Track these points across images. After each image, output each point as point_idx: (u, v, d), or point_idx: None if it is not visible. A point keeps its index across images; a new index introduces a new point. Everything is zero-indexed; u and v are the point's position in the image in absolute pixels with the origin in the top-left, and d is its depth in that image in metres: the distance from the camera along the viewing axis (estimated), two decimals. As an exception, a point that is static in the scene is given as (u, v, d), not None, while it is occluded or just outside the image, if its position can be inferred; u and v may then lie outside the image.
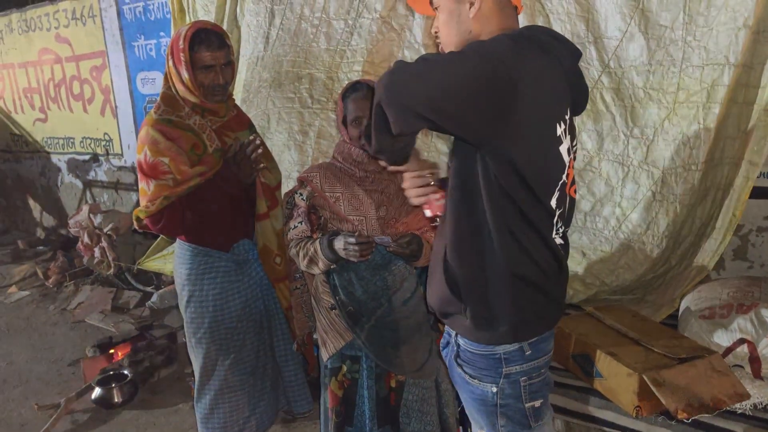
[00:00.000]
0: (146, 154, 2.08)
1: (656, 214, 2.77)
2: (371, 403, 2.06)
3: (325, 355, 2.11)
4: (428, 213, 1.55)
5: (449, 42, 1.42)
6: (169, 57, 2.12)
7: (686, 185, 2.69)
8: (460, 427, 2.31)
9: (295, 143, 3.53)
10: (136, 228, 2.25)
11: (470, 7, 1.36)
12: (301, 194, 2.09)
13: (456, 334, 1.55)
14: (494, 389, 1.47)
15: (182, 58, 2.06)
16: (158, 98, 2.18)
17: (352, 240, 1.88)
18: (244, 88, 3.89)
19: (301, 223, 2.07)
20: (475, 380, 1.50)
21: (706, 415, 1.88)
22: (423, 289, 2.09)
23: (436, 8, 1.42)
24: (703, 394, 1.88)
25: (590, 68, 2.85)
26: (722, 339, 2.12)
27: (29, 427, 3.14)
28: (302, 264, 2.05)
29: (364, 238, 1.90)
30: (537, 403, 1.51)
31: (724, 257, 2.87)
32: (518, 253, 1.36)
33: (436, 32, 1.46)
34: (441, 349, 1.69)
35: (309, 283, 2.23)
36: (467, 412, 1.62)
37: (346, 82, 3.44)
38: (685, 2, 2.61)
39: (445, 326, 1.65)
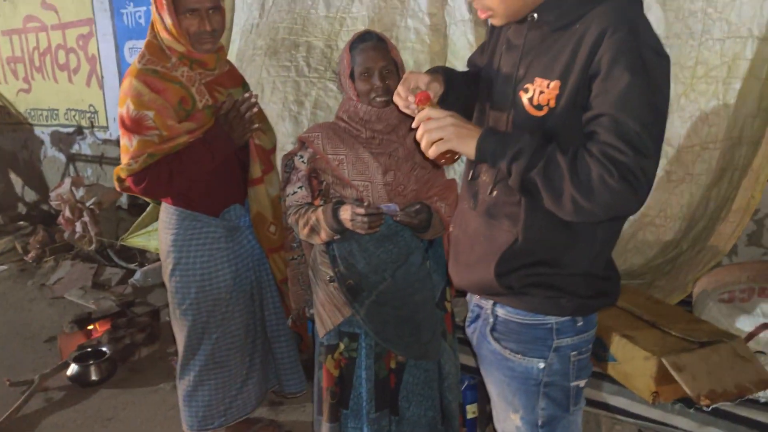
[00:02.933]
0: (129, 107, 1.91)
1: (669, 195, 2.64)
2: (369, 385, 1.90)
3: (321, 331, 1.95)
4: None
5: (516, 7, 1.25)
6: (153, 2, 1.95)
7: (703, 165, 2.56)
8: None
9: (290, 114, 3.36)
10: (117, 189, 2.08)
11: None
12: (301, 156, 1.92)
13: (493, 304, 1.39)
14: (541, 365, 1.33)
15: (164, 2, 1.89)
16: (142, 47, 2.01)
17: (360, 210, 1.72)
18: (237, 57, 3.71)
19: (301, 188, 1.91)
20: (518, 355, 1.35)
21: (728, 402, 1.76)
22: (429, 263, 1.94)
23: None
24: (726, 380, 1.75)
25: (604, 40, 2.71)
26: (744, 324, 1.99)
27: (1, 403, 2.97)
28: (302, 233, 1.88)
29: (373, 208, 1.75)
30: (581, 383, 1.38)
31: (737, 242, 2.74)
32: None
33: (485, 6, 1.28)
34: (467, 324, 1.53)
35: (307, 253, 2.07)
36: (497, 394, 1.47)
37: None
38: (707, -28, 2.48)
39: (471, 300, 1.50)
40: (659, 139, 1.13)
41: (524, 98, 1.25)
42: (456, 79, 1.49)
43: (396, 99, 1.37)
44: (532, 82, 1.23)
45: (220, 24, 1.98)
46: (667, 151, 2.63)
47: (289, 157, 1.96)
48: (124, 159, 1.94)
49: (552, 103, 1.20)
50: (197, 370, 2.18)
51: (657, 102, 1.11)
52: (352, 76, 1.84)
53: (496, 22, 1.32)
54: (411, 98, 1.32)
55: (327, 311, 1.93)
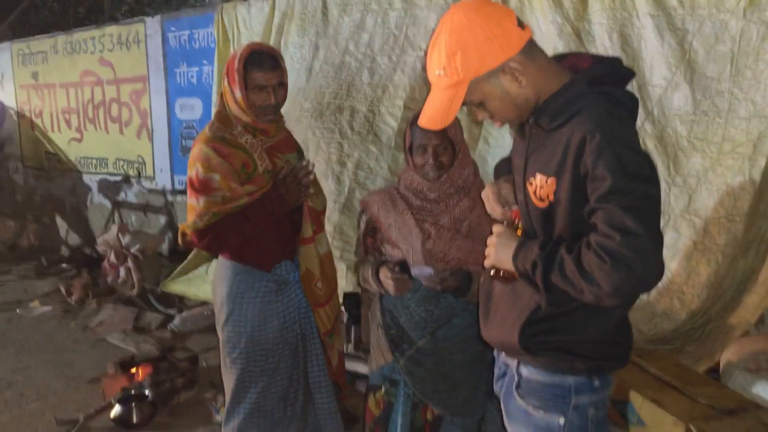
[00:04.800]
0: (198, 170, 2.10)
1: (697, 264, 2.74)
2: (404, 431, 2.03)
3: (369, 370, 2.15)
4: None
5: (512, 118, 1.43)
6: (225, 77, 2.17)
7: (728, 236, 2.66)
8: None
9: (332, 173, 3.56)
10: (179, 242, 2.26)
11: (519, 83, 1.36)
12: (363, 216, 2.16)
13: (518, 363, 1.52)
14: (561, 420, 1.45)
15: (236, 78, 2.11)
16: (213, 117, 2.23)
17: (387, 273, 1.94)
18: (285, 117, 3.94)
19: (360, 245, 2.17)
20: (540, 410, 1.47)
21: (754, 471, 1.82)
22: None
23: (479, 103, 1.41)
24: (752, 449, 1.82)
25: (634, 115, 2.86)
26: (770, 394, 2.06)
27: (46, 442, 3.10)
28: (361, 282, 2.10)
29: (398, 273, 1.92)
30: None
31: (765, 313, 2.81)
32: None
33: (489, 119, 1.46)
34: (495, 381, 1.66)
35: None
36: None
37: (387, 117, 3.51)
38: (733, 55, 2.63)
39: (499, 357, 1.62)
40: (649, 218, 1.24)
41: (530, 190, 1.42)
42: None
43: (491, 212, 1.60)
44: (534, 176, 1.40)
45: (283, 98, 2.19)
46: (695, 221, 2.74)
47: (358, 216, 2.22)
48: (190, 217, 2.12)
49: (551, 197, 1.36)
50: (242, 417, 2.30)
51: (639, 189, 1.24)
52: (411, 149, 2.02)
53: (498, 125, 1.49)
54: (508, 213, 1.54)
55: (375, 353, 2.12)
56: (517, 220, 1.49)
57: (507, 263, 1.41)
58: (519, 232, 1.47)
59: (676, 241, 2.79)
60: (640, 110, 2.81)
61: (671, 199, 2.81)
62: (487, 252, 1.46)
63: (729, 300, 2.67)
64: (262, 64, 2.10)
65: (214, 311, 2.34)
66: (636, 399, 2.08)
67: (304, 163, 2.19)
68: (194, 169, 2.11)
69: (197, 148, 2.13)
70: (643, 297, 2.86)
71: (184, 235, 2.18)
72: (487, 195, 1.59)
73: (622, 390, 2.15)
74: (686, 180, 2.78)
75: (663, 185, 2.81)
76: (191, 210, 2.12)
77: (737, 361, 2.25)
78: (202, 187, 2.09)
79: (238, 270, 2.24)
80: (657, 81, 2.82)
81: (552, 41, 3.03)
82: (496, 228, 1.46)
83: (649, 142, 2.85)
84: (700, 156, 2.74)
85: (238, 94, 2.11)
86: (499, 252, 1.42)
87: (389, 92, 3.51)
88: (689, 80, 2.74)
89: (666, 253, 2.77)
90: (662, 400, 2.03)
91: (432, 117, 1.41)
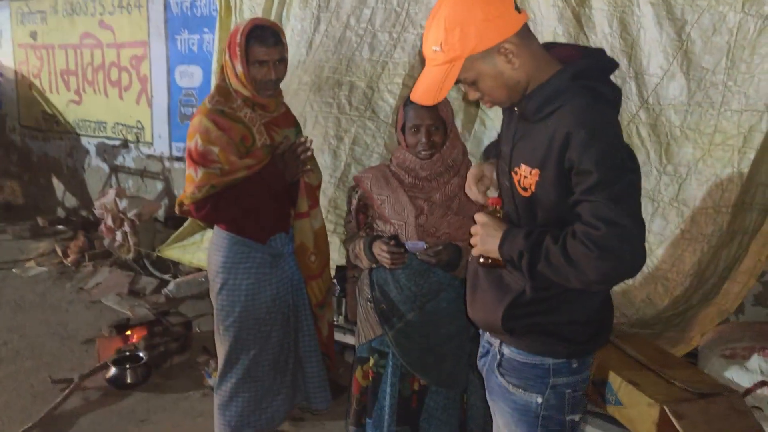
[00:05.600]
0: (197, 142, 2.14)
1: (682, 252, 2.79)
2: (392, 401, 2.12)
3: (356, 343, 2.21)
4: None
5: (503, 99, 1.47)
6: (227, 50, 2.20)
7: (715, 226, 2.71)
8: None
9: (329, 147, 3.59)
10: (176, 212, 2.31)
11: (512, 65, 1.39)
12: (355, 192, 2.20)
13: (500, 343, 1.59)
14: (539, 399, 1.52)
15: (238, 53, 2.14)
16: (213, 89, 2.25)
17: (383, 247, 1.98)
18: (283, 90, 3.95)
19: (350, 220, 2.20)
20: (519, 389, 1.54)
21: (723, 452, 1.90)
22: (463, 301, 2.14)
23: (472, 82, 1.44)
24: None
25: (629, 102, 2.89)
26: (742, 379, 2.15)
27: (41, 399, 3.17)
28: (351, 257, 2.15)
29: (394, 247, 1.96)
30: (576, 417, 1.56)
31: (744, 302, 2.88)
32: None
33: (479, 98, 1.49)
34: (478, 358, 1.73)
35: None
36: (502, 423, 1.65)
37: (386, 93, 3.53)
38: (729, 48, 2.66)
39: (483, 336, 1.69)
40: (633, 207, 1.31)
41: (515, 179, 1.47)
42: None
43: (470, 195, 1.66)
44: (519, 166, 1.46)
45: (283, 73, 2.22)
46: (683, 210, 2.79)
47: (349, 191, 2.24)
48: (188, 188, 2.17)
49: (533, 188, 1.42)
50: (234, 382, 2.37)
51: (623, 179, 1.30)
52: (403, 128, 2.06)
53: (488, 105, 1.53)
54: (484, 196, 1.62)
55: (363, 326, 2.18)
56: (497, 207, 1.53)
57: (493, 252, 1.46)
58: (496, 212, 1.53)
59: (664, 228, 2.84)
60: (635, 98, 2.88)
61: (661, 187, 2.86)
62: (472, 241, 1.51)
63: (711, 288, 2.74)
64: (264, 39, 2.13)
65: (209, 279, 2.40)
66: (614, 380, 2.15)
67: (302, 139, 2.23)
68: (194, 141, 2.14)
69: (197, 120, 2.17)
70: (628, 282, 2.93)
71: (181, 205, 2.23)
72: (468, 174, 1.65)
73: (602, 370, 2.22)
74: (677, 169, 2.82)
75: (654, 173, 2.86)
76: (189, 181, 2.17)
77: (715, 348, 2.33)
78: (201, 159, 2.13)
79: (234, 241, 2.30)
80: (654, 70, 2.84)
81: (552, 25, 3.04)
82: (479, 217, 1.51)
83: (642, 130, 2.88)
84: (691, 146, 2.78)
85: (239, 68, 2.14)
86: (485, 241, 1.47)
87: (388, 69, 3.52)
88: (685, 71, 2.77)
89: (653, 239, 2.85)
90: (639, 381, 2.09)
91: (425, 92, 1.44)
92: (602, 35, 2.94)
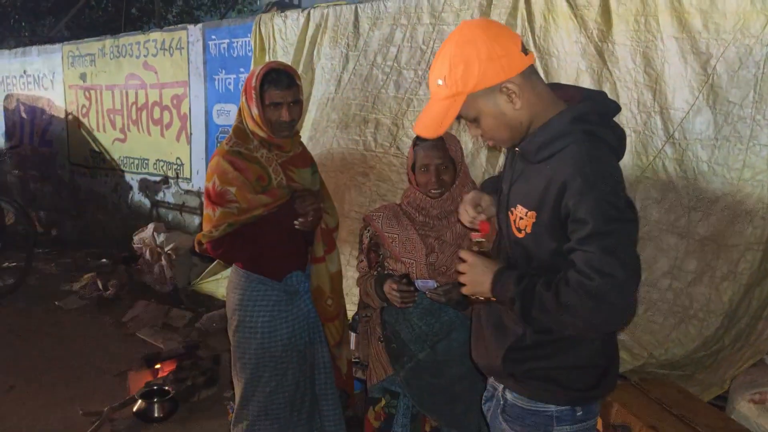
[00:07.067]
0: (215, 182, 2.20)
1: (713, 291, 2.70)
2: None
3: (367, 383, 2.20)
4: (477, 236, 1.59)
5: (504, 139, 1.47)
6: (243, 94, 2.27)
7: (746, 264, 2.63)
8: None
9: (355, 184, 3.64)
10: (196, 251, 2.36)
11: (514, 105, 1.40)
12: (367, 231, 2.22)
13: (504, 388, 1.56)
14: None
15: (253, 95, 2.21)
16: (230, 131, 2.32)
17: (393, 285, 1.98)
18: (312, 127, 4.05)
19: (362, 260, 2.22)
20: None
21: (749, 505, 1.81)
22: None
23: (474, 119, 1.45)
24: (746, 482, 1.81)
25: (654, 137, 2.85)
26: (772, 427, 2.04)
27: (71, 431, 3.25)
28: (362, 297, 2.17)
29: (404, 285, 1.97)
30: None
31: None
32: None
33: (481, 137, 1.50)
34: (483, 402, 1.70)
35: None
36: None
37: (410, 130, 3.57)
38: (756, 81, 2.61)
39: (489, 380, 1.66)
40: (628, 257, 1.29)
41: (511, 219, 1.46)
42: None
43: (462, 217, 1.65)
44: (515, 207, 1.45)
45: (298, 114, 2.27)
46: (713, 248, 2.71)
47: (361, 231, 2.26)
48: (206, 227, 2.22)
49: (528, 230, 1.41)
50: (250, 420, 2.38)
51: (618, 230, 1.29)
52: (414, 168, 2.08)
53: (489, 144, 1.54)
54: (476, 223, 1.61)
55: (375, 367, 2.17)
56: (482, 235, 1.52)
57: (486, 294, 1.46)
58: (482, 246, 1.53)
59: (694, 266, 2.76)
60: (661, 133, 2.83)
61: (690, 223, 2.78)
62: (462, 279, 1.50)
63: (744, 327, 2.64)
64: (278, 82, 2.19)
65: (227, 317, 2.44)
66: (635, 424, 2.08)
67: (306, 201, 2.27)
68: (212, 181, 2.21)
69: (215, 161, 2.23)
70: (657, 321, 2.84)
71: (200, 243, 2.28)
72: (465, 198, 1.65)
73: (622, 414, 2.15)
74: (706, 205, 2.75)
75: (682, 209, 2.79)
76: (207, 220, 2.23)
77: (744, 392, 2.23)
78: (218, 199, 2.19)
79: (250, 279, 2.33)
80: (679, 104, 2.80)
81: (575, 61, 3.04)
82: (465, 255, 1.50)
83: (669, 165, 2.83)
84: (720, 181, 2.72)
85: (255, 110, 2.20)
86: (475, 284, 1.48)
87: (413, 106, 3.56)
88: (711, 105, 2.72)
89: (685, 278, 2.76)
90: (660, 427, 2.03)
91: (427, 125, 1.45)
92: (626, 70, 2.92)
